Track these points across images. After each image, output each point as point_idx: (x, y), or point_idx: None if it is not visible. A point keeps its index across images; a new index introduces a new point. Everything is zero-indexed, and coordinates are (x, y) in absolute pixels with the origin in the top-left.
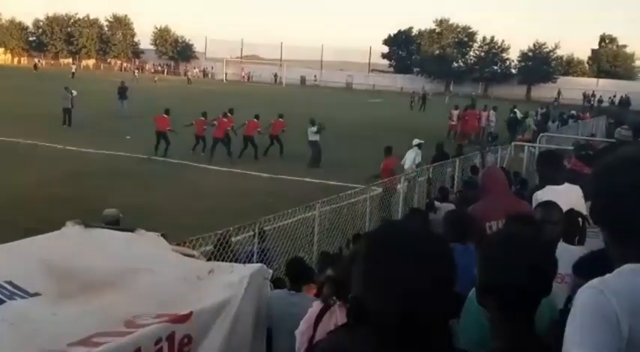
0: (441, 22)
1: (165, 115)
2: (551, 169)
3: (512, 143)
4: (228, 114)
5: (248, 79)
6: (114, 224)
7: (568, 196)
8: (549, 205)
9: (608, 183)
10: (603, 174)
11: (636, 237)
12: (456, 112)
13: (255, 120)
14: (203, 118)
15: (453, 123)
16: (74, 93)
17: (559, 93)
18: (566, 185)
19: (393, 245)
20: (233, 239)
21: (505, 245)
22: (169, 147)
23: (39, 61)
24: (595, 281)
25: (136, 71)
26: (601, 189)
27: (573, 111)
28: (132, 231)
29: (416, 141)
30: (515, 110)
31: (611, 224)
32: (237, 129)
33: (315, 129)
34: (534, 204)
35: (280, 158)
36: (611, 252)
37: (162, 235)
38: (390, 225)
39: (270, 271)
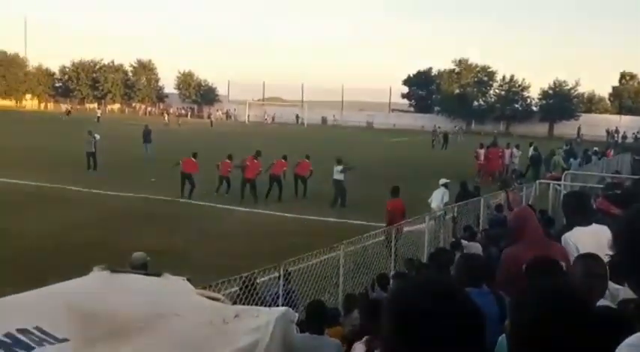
0: (460, 62)
1: (193, 159)
2: (578, 210)
3: (537, 181)
4: (257, 157)
5: (273, 120)
6: (142, 267)
7: (597, 237)
8: (592, 258)
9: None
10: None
11: None
12: (482, 151)
13: (282, 160)
14: (228, 160)
15: (481, 162)
16: (97, 137)
17: (579, 129)
18: (594, 226)
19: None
20: (258, 280)
21: (541, 302)
22: (194, 189)
23: (71, 107)
24: (634, 338)
25: (167, 115)
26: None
27: (596, 148)
28: (158, 275)
29: (442, 181)
30: (536, 147)
31: None
32: (266, 170)
33: (340, 168)
34: (565, 245)
35: (304, 198)
36: None
37: (188, 279)
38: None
39: (296, 314)
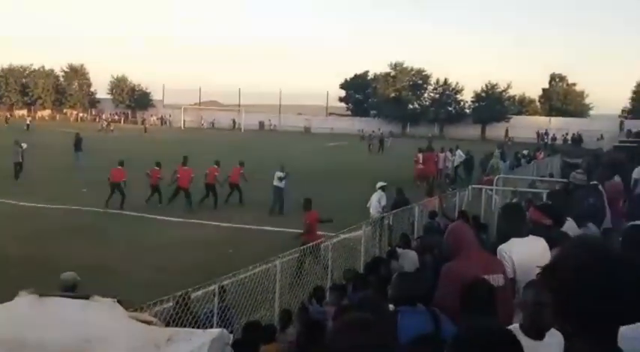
0: (395, 66)
1: (120, 167)
2: (515, 222)
3: (470, 186)
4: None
5: (213, 125)
6: (71, 288)
7: (532, 249)
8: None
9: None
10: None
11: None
12: (421, 155)
13: (215, 166)
14: (157, 168)
15: (420, 166)
16: (24, 146)
17: (507, 131)
18: (531, 237)
19: None
20: (192, 295)
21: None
22: (125, 199)
23: (9, 114)
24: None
25: (105, 123)
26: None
27: (525, 151)
28: (87, 298)
29: (379, 184)
30: (468, 151)
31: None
32: (225, 180)
33: (282, 174)
34: (500, 257)
35: (239, 206)
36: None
37: (118, 301)
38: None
39: (231, 336)
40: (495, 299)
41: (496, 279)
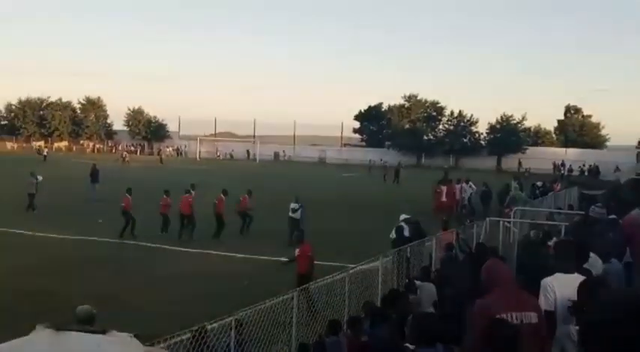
0: (409, 98)
1: (127, 195)
2: (576, 258)
3: (487, 218)
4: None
5: (232, 157)
6: (88, 321)
7: (575, 285)
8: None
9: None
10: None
11: None
12: (444, 188)
13: (221, 195)
14: (166, 196)
15: (444, 200)
16: (39, 178)
17: (520, 163)
18: (577, 274)
19: None
20: (208, 327)
21: None
22: (134, 226)
23: (42, 146)
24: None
25: (125, 154)
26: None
27: (539, 182)
28: (104, 332)
29: (403, 217)
30: (485, 183)
31: None
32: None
33: (296, 205)
34: (543, 290)
35: (254, 237)
36: None
37: (136, 335)
38: None
39: None
40: (520, 339)
41: (528, 317)
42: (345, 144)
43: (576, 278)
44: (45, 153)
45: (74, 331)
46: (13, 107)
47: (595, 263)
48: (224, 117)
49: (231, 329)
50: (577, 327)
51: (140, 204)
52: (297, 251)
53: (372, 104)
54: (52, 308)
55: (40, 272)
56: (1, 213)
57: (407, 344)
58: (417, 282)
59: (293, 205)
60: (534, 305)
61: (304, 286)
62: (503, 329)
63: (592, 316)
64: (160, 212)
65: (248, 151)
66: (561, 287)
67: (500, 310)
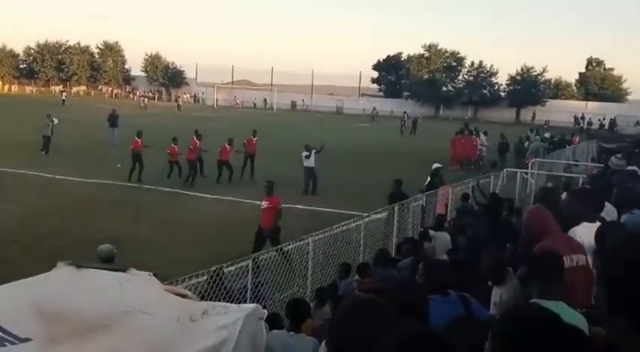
0: (429, 48)
1: (137, 138)
2: (595, 206)
3: (505, 169)
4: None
5: (255, 105)
6: (108, 260)
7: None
8: None
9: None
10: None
11: None
12: (484, 138)
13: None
14: (174, 144)
15: (461, 151)
16: (55, 121)
17: (534, 115)
18: (597, 223)
19: None
20: (226, 270)
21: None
22: (143, 170)
23: (64, 89)
24: None
25: (145, 99)
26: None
27: (546, 134)
28: (124, 271)
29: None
30: (502, 134)
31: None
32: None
33: (307, 154)
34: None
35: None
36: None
37: (154, 274)
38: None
39: (265, 312)
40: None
41: (582, 259)
42: (362, 94)
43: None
44: (63, 98)
45: (95, 268)
46: (32, 51)
47: (611, 212)
48: (241, 66)
49: (248, 271)
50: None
51: (158, 148)
52: (264, 202)
53: (391, 53)
54: (71, 247)
55: (59, 213)
56: (22, 155)
57: None
58: (432, 232)
59: (304, 153)
60: (581, 247)
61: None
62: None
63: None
64: (187, 158)
65: (265, 100)
66: (587, 236)
67: (562, 253)
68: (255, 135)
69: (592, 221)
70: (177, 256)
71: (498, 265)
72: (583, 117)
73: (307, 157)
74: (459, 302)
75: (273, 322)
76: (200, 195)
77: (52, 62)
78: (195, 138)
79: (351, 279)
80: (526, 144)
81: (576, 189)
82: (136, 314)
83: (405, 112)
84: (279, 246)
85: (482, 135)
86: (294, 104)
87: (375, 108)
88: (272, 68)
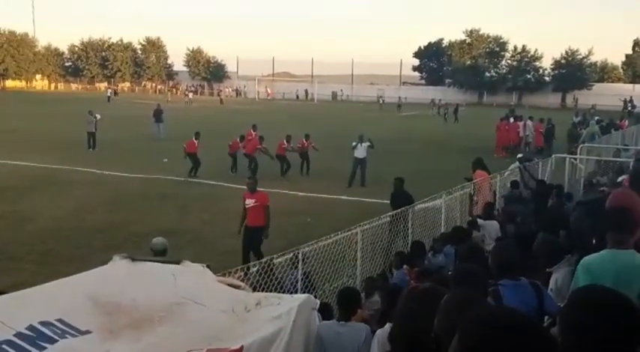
0: (471, 33)
1: (194, 140)
2: None
3: (553, 155)
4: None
5: (297, 97)
6: (162, 253)
7: None
8: None
9: None
10: None
11: None
12: (531, 123)
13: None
14: (195, 139)
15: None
16: (98, 117)
17: (576, 99)
18: None
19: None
20: (276, 261)
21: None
22: (198, 168)
23: (112, 87)
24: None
25: (191, 94)
26: None
27: (575, 118)
28: (178, 263)
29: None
30: (549, 119)
31: None
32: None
33: (357, 144)
34: None
35: (316, 177)
36: None
37: (207, 266)
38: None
39: (318, 301)
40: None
41: None
42: (403, 83)
43: None
44: (109, 95)
45: (150, 261)
46: (76, 49)
47: None
48: (281, 58)
49: (298, 261)
50: None
51: (206, 144)
52: (249, 200)
53: (432, 40)
54: (124, 242)
55: (109, 208)
56: (70, 151)
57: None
58: (480, 220)
59: (353, 143)
60: None
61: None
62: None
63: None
64: (229, 152)
65: (306, 91)
66: None
67: None
68: (308, 139)
69: None
70: (227, 248)
71: (554, 250)
72: (631, 100)
73: (356, 147)
74: (530, 289)
75: (323, 312)
76: (243, 187)
77: (96, 59)
78: (252, 131)
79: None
80: (579, 129)
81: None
82: (191, 305)
83: (432, 100)
84: (269, 258)
85: (529, 121)
86: (334, 94)
87: (432, 100)
88: (312, 59)
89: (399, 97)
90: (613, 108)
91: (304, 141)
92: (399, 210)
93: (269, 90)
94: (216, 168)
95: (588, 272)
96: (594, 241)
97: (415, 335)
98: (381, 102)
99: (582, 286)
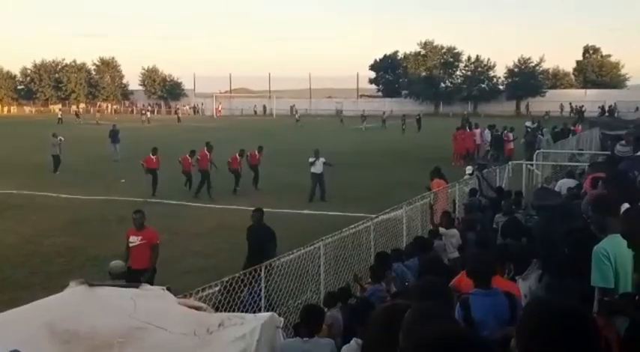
0: (425, 45)
1: (152, 156)
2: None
3: (510, 162)
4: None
5: (255, 113)
6: (120, 276)
7: None
8: None
9: None
10: None
11: None
12: (479, 132)
13: (237, 155)
14: (152, 155)
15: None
16: (61, 139)
17: (527, 106)
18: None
19: None
20: (238, 279)
21: None
22: (156, 185)
23: (77, 110)
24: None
25: (148, 113)
26: None
27: (528, 122)
28: (137, 286)
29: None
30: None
31: None
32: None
33: (313, 160)
34: None
35: (275, 191)
36: None
37: (168, 288)
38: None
39: (281, 319)
40: None
41: None
42: (361, 96)
43: None
44: (60, 116)
45: (108, 286)
46: (29, 71)
47: None
48: (239, 74)
49: (260, 280)
50: None
51: (163, 162)
52: (134, 238)
53: (388, 53)
54: (82, 266)
55: (67, 232)
56: (27, 176)
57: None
58: (441, 229)
59: (311, 159)
60: None
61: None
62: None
63: None
64: (184, 170)
65: (264, 107)
66: None
67: None
68: (261, 151)
69: None
70: (188, 268)
71: (522, 256)
72: (577, 107)
73: (313, 163)
74: (504, 299)
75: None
76: (206, 205)
77: (49, 81)
78: (205, 150)
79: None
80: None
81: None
82: (151, 330)
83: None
84: (231, 277)
85: (486, 130)
86: (293, 109)
87: (384, 113)
88: (269, 74)
89: (363, 110)
90: (566, 113)
91: (256, 152)
92: (251, 269)
93: (219, 108)
94: (176, 187)
95: (610, 257)
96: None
97: None
98: (340, 116)
99: (536, 298)
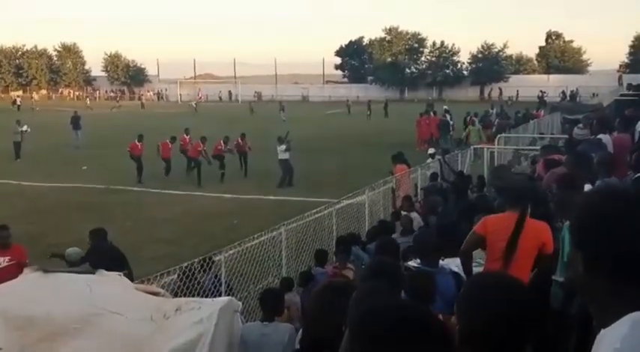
0: (390, 31)
1: (137, 142)
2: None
3: (472, 146)
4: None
5: (220, 99)
6: (78, 263)
7: None
8: None
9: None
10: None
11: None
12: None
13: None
14: (137, 142)
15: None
16: (25, 128)
17: (490, 92)
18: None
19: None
20: (198, 265)
21: None
22: (142, 172)
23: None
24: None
25: (118, 100)
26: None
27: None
28: (93, 272)
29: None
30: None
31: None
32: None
33: (284, 147)
34: None
35: (242, 177)
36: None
37: (124, 274)
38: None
39: (240, 304)
40: None
41: None
42: (327, 81)
43: None
44: (19, 104)
45: (63, 272)
46: None
47: None
48: (204, 60)
49: (221, 265)
50: None
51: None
52: (1, 259)
53: (353, 39)
54: (41, 254)
55: (27, 220)
56: None
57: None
58: (403, 212)
59: (280, 147)
60: None
61: None
62: None
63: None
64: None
65: (230, 92)
66: None
67: None
68: (244, 138)
69: None
70: (151, 255)
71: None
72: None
73: (283, 151)
74: (451, 279)
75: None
76: (174, 192)
77: (9, 67)
78: (185, 135)
79: (325, 268)
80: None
81: (549, 159)
82: (107, 316)
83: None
84: (190, 263)
85: (447, 115)
86: (259, 95)
87: (348, 100)
88: (234, 60)
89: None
90: (530, 99)
91: (240, 140)
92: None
93: (199, 95)
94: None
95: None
96: None
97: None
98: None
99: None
